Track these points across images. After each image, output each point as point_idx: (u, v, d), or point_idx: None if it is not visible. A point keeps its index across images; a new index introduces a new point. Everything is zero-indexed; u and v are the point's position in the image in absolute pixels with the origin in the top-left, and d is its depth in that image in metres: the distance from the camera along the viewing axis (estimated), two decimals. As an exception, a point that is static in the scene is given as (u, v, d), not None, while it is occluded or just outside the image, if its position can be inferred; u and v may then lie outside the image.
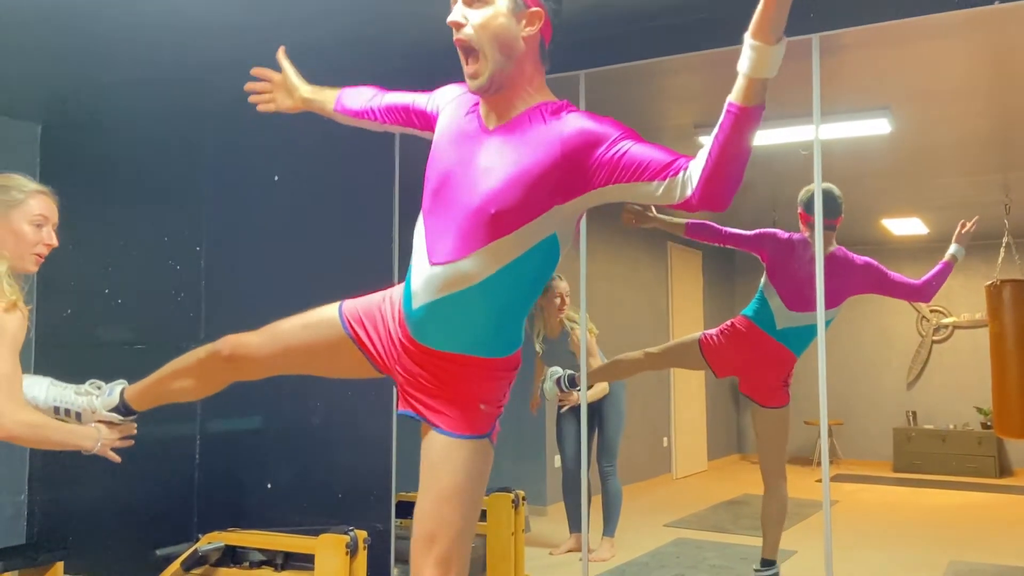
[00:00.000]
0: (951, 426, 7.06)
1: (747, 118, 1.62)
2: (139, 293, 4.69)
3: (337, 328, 2.13)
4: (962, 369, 5.95)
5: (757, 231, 3.83)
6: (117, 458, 2.42)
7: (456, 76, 2.00)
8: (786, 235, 3.86)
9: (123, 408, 2.39)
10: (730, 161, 1.65)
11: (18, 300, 2.24)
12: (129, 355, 4.51)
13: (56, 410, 2.39)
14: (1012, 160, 5.11)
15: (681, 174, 1.71)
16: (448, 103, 2.06)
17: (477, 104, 1.98)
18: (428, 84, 2.20)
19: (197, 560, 3.29)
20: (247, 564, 3.33)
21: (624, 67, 3.64)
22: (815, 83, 3.29)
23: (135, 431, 2.46)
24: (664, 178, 1.72)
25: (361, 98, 2.32)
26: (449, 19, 1.90)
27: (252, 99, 2.57)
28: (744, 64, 1.62)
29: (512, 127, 1.89)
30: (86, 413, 2.38)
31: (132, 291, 4.71)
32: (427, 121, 2.14)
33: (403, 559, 3.99)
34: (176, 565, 3.30)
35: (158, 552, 3.38)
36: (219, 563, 3.35)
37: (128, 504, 4.58)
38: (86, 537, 4.60)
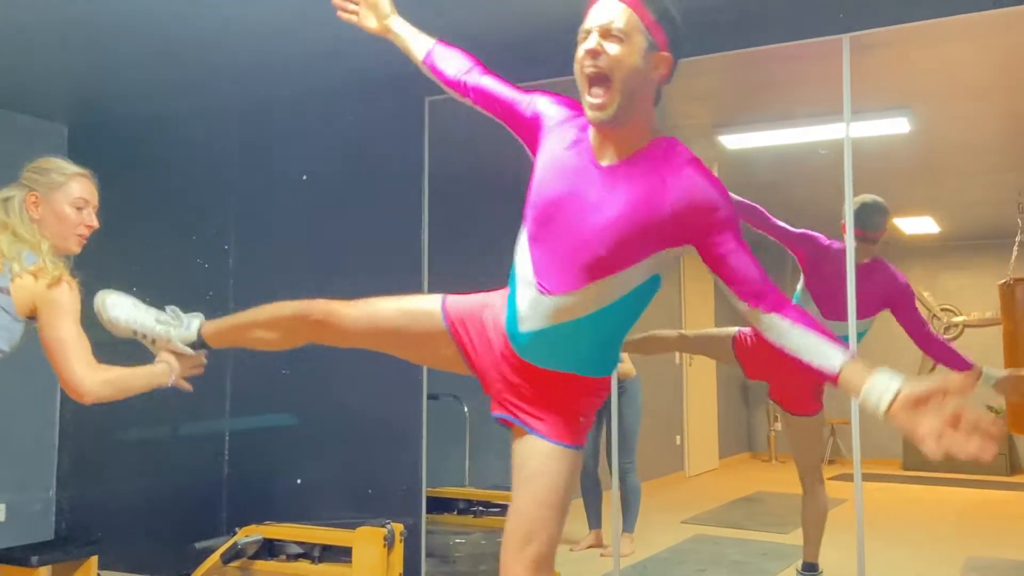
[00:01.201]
0: (961, 424, 7.10)
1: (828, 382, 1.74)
2: (168, 291, 4.70)
3: (437, 322, 2.16)
4: (975, 368, 5.96)
5: (802, 230, 3.77)
6: (189, 387, 2.47)
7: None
8: (827, 241, 3.83)
9: (199, 343, 2.43)
10: (796, 365, 1.78)
11: (62, 274, 2.29)
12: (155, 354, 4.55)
13: (134, 332, 2.42)
14: (1025, 159, 5.17)
15: (759, 311, 1.81)
16: (553, 125, 2.04)
17: (584, 132, 1.98)
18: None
19: (235, 553, 3.33)
20: (284, 557, 3.37)
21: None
22: (845, 84, 3.34)
23: (204, 362, 2.50)
24: (742, 299, 1.82)
25: (455, 66, 2.23)
26: (586, 47, 1.88)
27: (335, 3, 2.46)
28: (867, 400, 1.64)
29: (627, 169, 1.91)
30: (160, 341, 2.41)
31: (161, 289, 4.71)
32: (519, 121, 2.12)
33: (434, 553, 4.03)
34: (215, 557, 3.34)
35: (197, 545, 3.42)
36: (256, 556, 3.39)
37: (156, 500, 4.61)
38: (114, 532, 4.62)
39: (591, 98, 1.88)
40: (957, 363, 3.82)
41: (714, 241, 1.83)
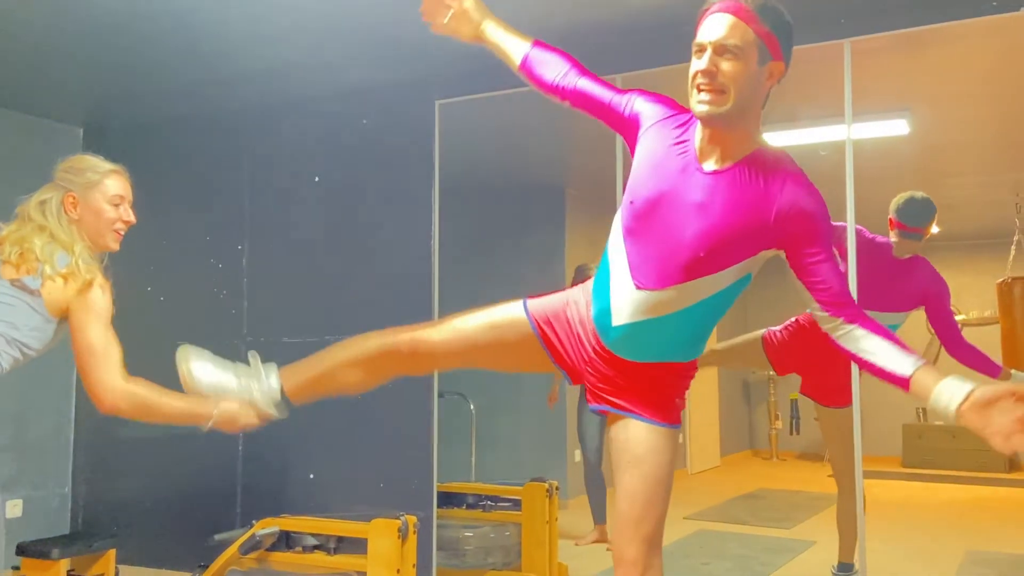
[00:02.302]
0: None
1: (903, 389, 1.81)
2: (182, 291, 4.80)
3: (524, 328, 2.21)
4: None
5: (842, 223, 3.71)
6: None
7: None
8: (870, 235, 3.85)
9: (282, 400, 2.36)
10: (868, 372, 1.87)
11: (94, 278, 2.28)
12: (171, 352, 4.61)
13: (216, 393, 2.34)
14: (1022, 160, 5.23)
15: (839, 322, 1.89)
16: (651, 124, 2.06)
17: (687, 131, 2.00)
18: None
19: (253, 545, 3.40)
20: (300, 548, 3.44)
21: (660, 70, 3.77)
22: (847, 88, 3.41)
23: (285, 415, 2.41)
24: (824, 308, 1.90)
25: (552, 71, 2.18)
26: (699, 67, 1.89)
27: (426, 19, 2.36)
28: (937, 404, 1.74)
29: (731, 176, 1.93)
30: (241, 401, 2.34)
31: (175, 289, 4.82)
32: (619, 121, 2.12)
33: (444, 546, 4.11)
34: (233, 549, 3.42)
35: (216, 537, 3.50)
36: (273, 548, 3.46)
37: (171, 495, 4.68)
38: (130, 527, 4.69)
39: (701, 94, 1.89)
40: (987, 367, 3.89)
41: (807, 251, 1.89)
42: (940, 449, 7.09)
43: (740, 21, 1.87)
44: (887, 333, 1.86)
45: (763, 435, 8.13)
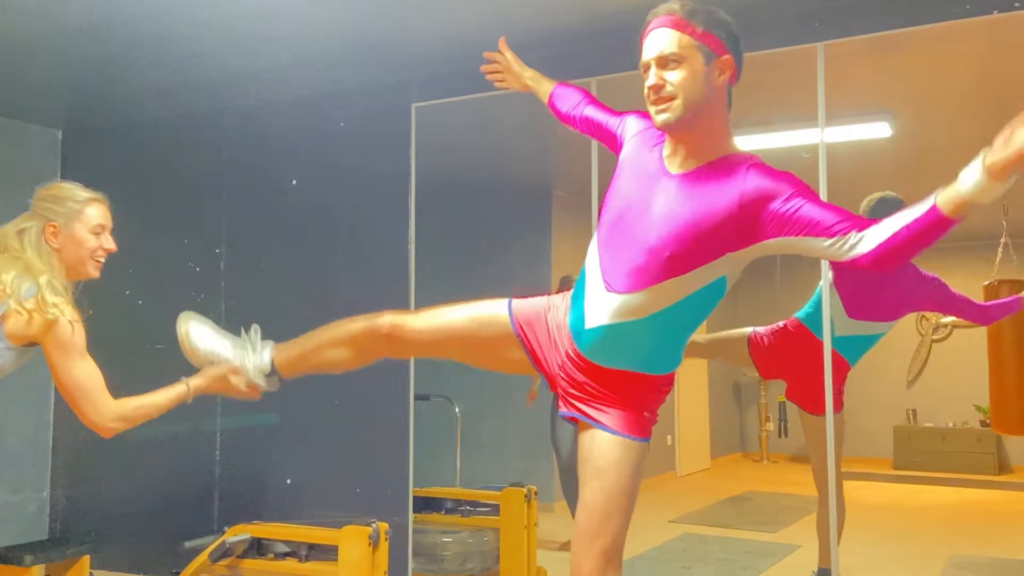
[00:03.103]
0: (951, 424, 7.15)
1: (945, 226, 1.77)
2: (160, 294, 4.79)
3: (506, 327, 2.25)
4: (961, 368, 6.04)
5: None
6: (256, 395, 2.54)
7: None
8: None
9: (273, 372, 2.49)
10: (912, 246, 1.81)
11: (61, 313, 2.29)
12: (150, 355, 4.58)
13: (210, 360, 2.49)
14: (1010, 162, 5.20)
15: (852, 235, 1.85)
16: (632, 136, 2.17)
17: (660, 142, 2.08)
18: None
19: (224, 552, 3.38)
20: (272, 555, 3.42)
21: (635, 74, 3.75)
22: (820, 91, 3.40)
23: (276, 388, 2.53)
24: (832, 235, 1.86)
25: (568, 103, 2.46)
26: (648, 84, 1.98)
27: (489, 77, 2.76)
28: (968, 186, 1.72)
29: (695, 177, 1.99)
30: (233, 365, 2.47)
31: (153, 292, 4.81)
32: (613, 141, 2.27)
33: (422, 552, 4.09)
34: (204, 556, 3.40)
35: (186, 544, 3.48)
36: (245, 555, 3.44)
37: (149, 500, 4.67)
38: (108, 532, 4.69)
39: (655, 106, 1.99)
40: (1014, 305, 4.00)
41: (787, 206, 1.88)
42: (930, 451, 7.07)
43: (674, 31, 1.96)
44: (888, 218, 1.84)
45: (754, 437, 8.11)
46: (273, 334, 4.48)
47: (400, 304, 4.17)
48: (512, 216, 5.89)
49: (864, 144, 4.48)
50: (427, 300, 4.20)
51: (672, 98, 1.94)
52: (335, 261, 4.41)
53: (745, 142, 4.49)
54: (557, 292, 5.13)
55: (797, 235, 1.89)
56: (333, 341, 2.41)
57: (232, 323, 4.54)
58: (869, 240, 1.84)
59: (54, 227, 2.39)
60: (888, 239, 1.81)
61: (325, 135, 4.47)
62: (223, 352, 2.47)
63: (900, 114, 4.35)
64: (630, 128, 2.19)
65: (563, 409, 2.20)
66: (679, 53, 1.94)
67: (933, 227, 1.77)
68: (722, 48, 1.98)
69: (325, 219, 4.45)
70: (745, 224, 1.92)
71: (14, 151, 4.97)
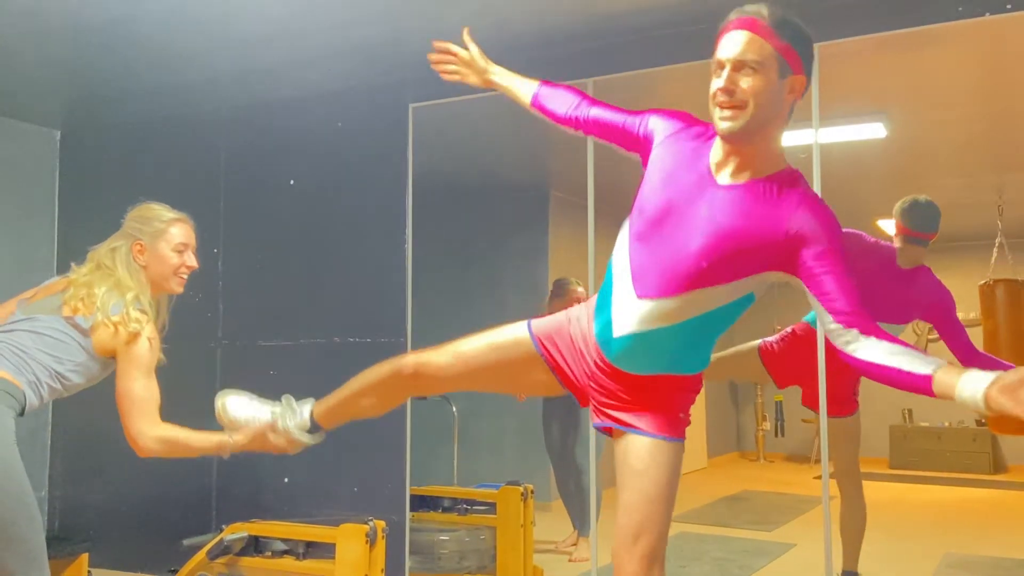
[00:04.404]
0: (946, 423, 7.17)
1: (928, 393, 1.75)
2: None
3: (528, 348, 2.22)
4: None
5: (844, 229, 3.75)
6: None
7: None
8: (872, 240, 3.79)
9: (315, 427, 2.54)
10: (891, 383, 1.80)
11: (142, 328, 2.47)
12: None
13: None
14: (1004, 162, 5.23)
15: (853, 332, 1.83)
16: (664, 138, 2.08)
17: (703, 144, 2.01)
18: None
19: (222, 550, 3.40)
20: (269, 553, 3.43)
21: (631, 75, 3.78)
22: (814, 92, 3.42)
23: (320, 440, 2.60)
24: (837, 320, 1.84)
25: (564, 104, 2.30)
26: (719, 85, 1.90)
27: (435, 67, 2.59)
28: (963, 396, 1.68)
29: (745, 193, 1.93)
30: (272, 425, 2.54)
31: (151, 292, 4.81)
32: (635, 142, 2.16)
33: (419, 550, 4.11)
34: (202, 554, 3.41)
35: (184, 543, 3.49)
36: (242, 552, 3.45)
37: (148, 500, 4.68)
38: (106, 532, 4.70)
39: (722, 110, 1.90)
40: (995, 366, 3.80)
41: (819, 264, 1.86)
42: (926, 450, 7.10)
43: (757, 36, 1.87)
44: (902, 342, 1.81)
45: (750, 437, 8.13)
46: (271, 334, 4.53)
47: (396, 306, 4.21)
48: (509, 216, 5.91)
49: (859, 145, 4.50)
50: (424, 299, 4.25)
51: (742, 106, 1.87)
52: (332, 261, 4.43)
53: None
54: (551, 296, 5.16)
55: (811, 292, 1.89)
56: (364, 390, 2.43)
57: (228, 324, 4.61)
58: (864, 350, 1.82)
59: (140, 245, 2.60)
60: (879, 365, 1.80)
61: (322, 135, 4.49)
62: (262, 417, 2.56)
63: (895, 115, 4.37)
64: (658, 130, 2.09)
65: (595, 420, 2.19)
66: (758, 60, 1.86)
67: (917, 388, 1.76)
68: (799, 66, 1.90)
69: (322, 219, 4.47)
70: (784, 254, 1.89)
71: (12, 151, 4.99)
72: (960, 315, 6.80)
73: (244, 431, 2.56)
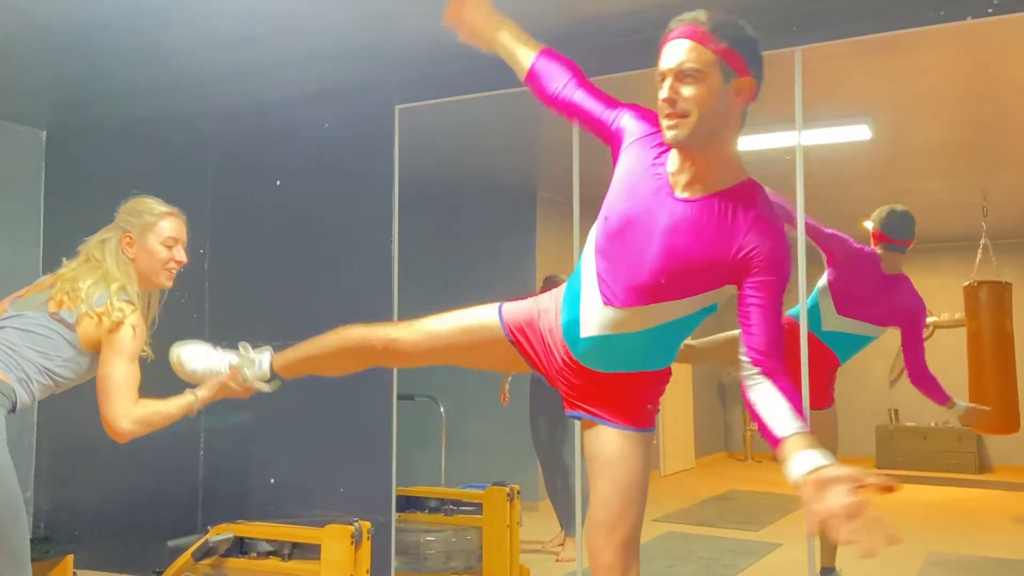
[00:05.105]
0: (932, 423, 7.21)
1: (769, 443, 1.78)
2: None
3: (498, 334, 2.23)
4: (943, 368, 6.04)
5: (832, 230, 3.77)
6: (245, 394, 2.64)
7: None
8: (858, 245, 3.92)
9: (274, 376, 2.57)
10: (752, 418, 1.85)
11: (125, 317, 2.47)
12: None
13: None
14: (988, 164, 5.26)
15: (756, 372, 1.85)
16: (632, 141, 2.05)
17: (664, 153, 1.99)
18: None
19: (207, 551, 3.40)
20: (255, 554, 3.44)
21: (611, 77, 3.78)
22: (797, 95, 3.43)
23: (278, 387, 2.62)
24: (747, 354, 1.87)
25: (553, 83, 2.19)
26: (661, 96, 1.89)
27: (446, 17, 2.36)
28: (789, 471, 1.68)
29: (701, 207, 1.91)
30: (233, 375, 2.57)
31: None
32: (608, 138, 2.13)
33: (405, 550, 4.12)
34: (187, 556, 3.41)
35: (169, 544, 3.49)
36: (228, 553, 3.45)
37: (133, 501, 4.67)
38: (92, 532, 4.68)
39: (667, 120, 1.89)
40: (939, 397, 4.06)
41: (752, 294, 1.87)
42: (912, 450, 7.13)
43: (696, 43, 1.85)
44: (794, 396, 1.81)
45: (738, 436, 8.16)
46: (257, 335, 4.49)
47: (383, 306, 4.20)
48: (496, 216, 5.92)
49: (844, 147, 4.53)
50: (411, 299, 4.25)
51: (685, 115, 1.86)
52: (319, 262, 4.43)
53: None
54: (540, 291, 5.14)
55: (739, 316, 1.90)
56: (328, 354, 2.45)
57: (215, 324, 4.60)
58: (753, 391, 1.84)
59: (130, 238, 2.60)
60: (754, 410, 1.82)
61: (309, 136, 4.49)
62: (220, 366, 2.58)
63: (879, 117, 4.39)
64: (628, 130, 2.06)
65: (568, 410, 2.21)
66: (697, 68, 1.84)
67: (767, 439, 1.77)
68: (743, 68, 1.87)
69: (309, 220, 4.47)
70: (734, 273, 1.90)
71: (-3, 150, 4.97)
72: (945, 316, 6.87)
73: (207, 385, 2.58)
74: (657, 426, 6.74)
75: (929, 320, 6.75)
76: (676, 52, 1.87)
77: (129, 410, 2.45)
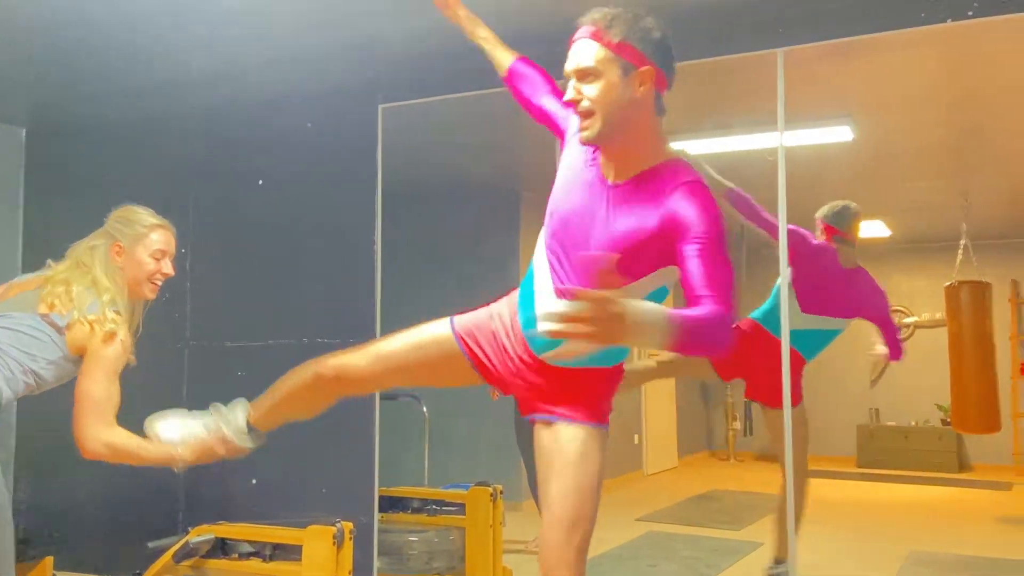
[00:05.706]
0: (913, 422, 7.28)
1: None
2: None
3: (451, 346, 2.23)
4: (923, 367, 6.14)
5: (792, 226, 3.77)
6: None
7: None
8: (815, 241, 4.00)
9: (252, 430, 2.55)
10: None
11: (117, 330, 2.46)
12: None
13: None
14: (969, 166, 5.31)
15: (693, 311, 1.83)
16: (571, 136, 2.13)
17: (597, 150, 2.07)
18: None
19: (188, 552, 3.37)
20: (236, 556, 3.41)
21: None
22: (780, 95, 3.45)
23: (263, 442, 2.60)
24: (688, 305, 1.86)
25: (529, 87, 2.36)
26: (565, 98, 1.99)
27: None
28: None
29: (628, 190, 1.99)
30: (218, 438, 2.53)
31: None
32: (560, 133, 2.25)
33: (388, 551, 4.10)
34: (167, 557, 3.38)
35: (150, 545, 3.46)
36: (209, 555, 3.43)
37: (115, 501, 4.63)
38: (73, 533, 4.65)
39: (580, 121, 1.98)
40: (894, 350, 4.18)
41: (688, 249, 1.88)
42: (892, 449, 7.20)
43: (592, 42, 1.94)
44: (708, 318, 1.80)
45: (721, 436, 8.20)
46: (239, 335, 4.50)
47: (366, 307, 4.19)
48: (480, 217, 5.92)
49: (826, 148, 4.55)
50: (394, 301, 4.24)
51: (590, 113, 1.94)
52: (301, 262, 4.41)
53: (705, 145, 4.58)
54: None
55: (680, 277, 1.90)
56: (290, 396, 2.45)
57: (196, 325, 4.58)
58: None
59: (119, 246, 2.59)
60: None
61: (291, 136, 4.47)
62: (197, 432, 2.53)
63: (861, 118, 4.42)
64: (572, 127, 2.13)
65: (525, 413, 2.23)
66: (593, 67, 1.92)
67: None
68: (640, 59, 1.93)
69: (291, 220, 4.45)
70: (666, 245, 1.92)
71: (-24, 149, 4.93)
72: (926, 316, 6.92)
73: (191, 450, 2.52)
74: (640, 425, 6.78)
75: (909, 320, 6.84)
76: (575, 53, 1.97)
77: (100, 432, 2.42)
